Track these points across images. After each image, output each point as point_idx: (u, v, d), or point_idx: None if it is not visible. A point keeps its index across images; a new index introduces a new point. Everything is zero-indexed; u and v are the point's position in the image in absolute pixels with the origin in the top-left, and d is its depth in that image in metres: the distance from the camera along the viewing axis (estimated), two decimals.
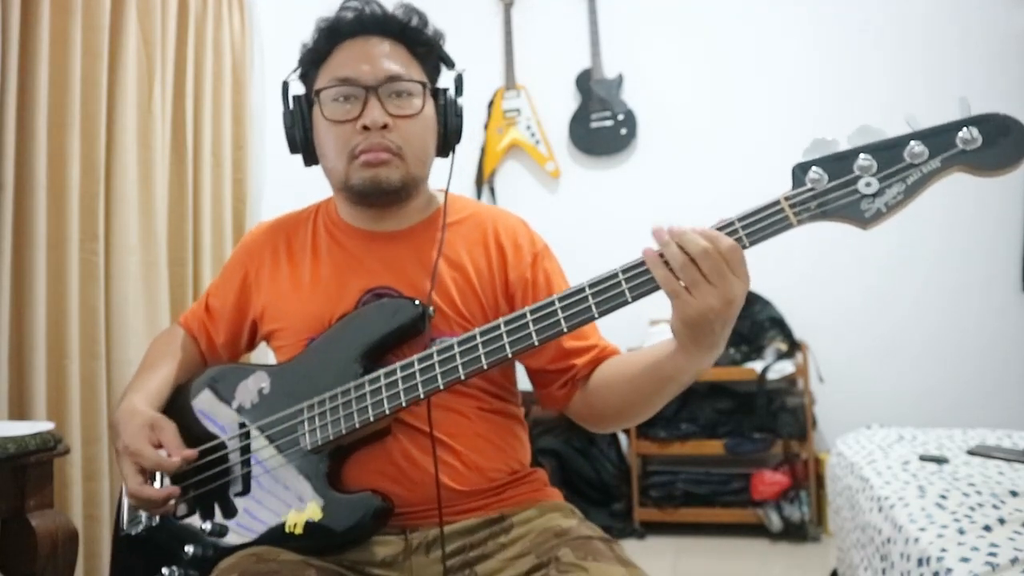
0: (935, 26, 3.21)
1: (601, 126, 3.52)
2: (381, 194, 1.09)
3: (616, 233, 3.43)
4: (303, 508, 1.00)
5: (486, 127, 3.64)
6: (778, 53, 3.37)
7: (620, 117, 3.50)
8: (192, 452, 1.05)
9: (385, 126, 1.06)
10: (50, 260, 1.90)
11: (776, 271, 2.78)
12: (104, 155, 2.07)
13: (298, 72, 1.15)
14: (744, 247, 0.85)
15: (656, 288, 0.87)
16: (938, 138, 0.82)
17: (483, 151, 3.63)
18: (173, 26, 2.35)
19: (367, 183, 1.08)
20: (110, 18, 2.08)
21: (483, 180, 3.64)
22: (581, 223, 3.49)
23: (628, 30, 3.55)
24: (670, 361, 0.94)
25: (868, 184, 0.83)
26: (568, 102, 3.60)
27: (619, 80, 3.53)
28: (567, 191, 3.61)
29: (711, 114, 3.45)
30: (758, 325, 3.19)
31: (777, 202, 0.85)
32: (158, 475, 1.05)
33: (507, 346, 0.93)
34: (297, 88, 1.16)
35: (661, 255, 0.85)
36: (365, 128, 1.06)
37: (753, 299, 3.26)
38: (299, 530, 1.00)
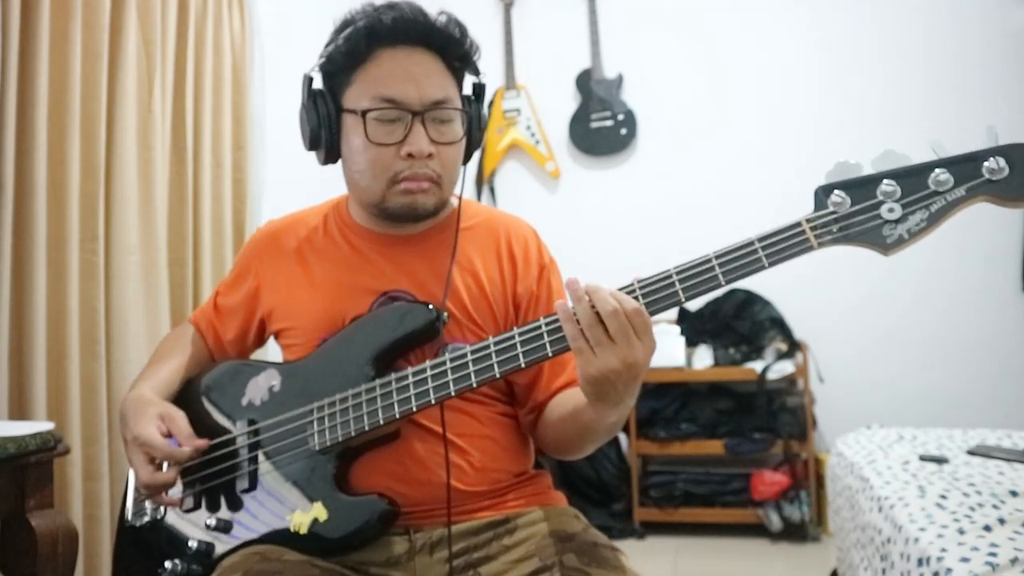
0: (934, 24, 3.22)
1: (601, 126, 3.52)
2: (415, 218, 1.09)
3: (616, 233, 3.44)
4: (308, 509, 1.00)
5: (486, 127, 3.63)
6: (778, 53, 3.37)
7: (620, 117, 3.50)
8: (203, 442, 1.06)
9: (430, 155, 1.04)
10: (50, 260, 1.90)
11: (776, 271, 2.76)
12: (104, 155, 2.07)
13: (325, 67, 1.07)
14: (763, 267, 0.84)
15: None
16: (964, 166, 0.80)
17: (483, 151, 3.63)
18: (173, 26, 2.35)
19: (404, 208, 1.06)
20: (110, 18, 2.08)
21: (483, 180, 3.64)
22: (581, 223, 3.49)
23: (628, 30, 3.55)
24: (585, 412, 0.97)
25: (891, 210, 0.81)
26: (568, 102, 3.60)
27: (619, 80, 3.53)
28: (567, 191, 3.61)
29: (711, 114, 3.45)
30: (758, 325, 3.19)
31: (798, 224, 0.84)
32: (165, 465, 1.05)
33: (520, 356, 0.92)
34: (316, 81, 1.09)
35: (574, 313, 0.86)
36: (409, 155, 1.03)
37: (753, 299, 3.26)
38: (304, 531, 1.00)
